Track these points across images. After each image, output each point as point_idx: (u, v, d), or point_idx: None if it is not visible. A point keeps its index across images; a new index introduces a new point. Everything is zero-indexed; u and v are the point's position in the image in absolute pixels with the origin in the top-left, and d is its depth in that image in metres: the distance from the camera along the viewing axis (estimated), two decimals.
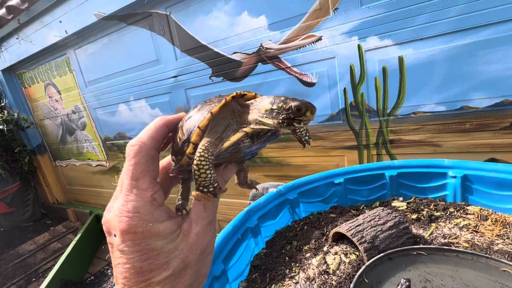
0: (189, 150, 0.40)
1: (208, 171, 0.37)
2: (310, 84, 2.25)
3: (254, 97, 0.44)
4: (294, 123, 0.37)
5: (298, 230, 1.39)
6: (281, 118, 0.37)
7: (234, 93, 0.41)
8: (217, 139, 0.40)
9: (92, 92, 3.82)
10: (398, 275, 0.98)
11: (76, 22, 3.31)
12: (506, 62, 1.59)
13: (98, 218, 4.56)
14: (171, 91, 3.06)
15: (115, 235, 0.35)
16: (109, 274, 3.65)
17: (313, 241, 1.27)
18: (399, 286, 0.86)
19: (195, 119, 0.41)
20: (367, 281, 0.97)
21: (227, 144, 0.39)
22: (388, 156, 2.12)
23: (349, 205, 1.52)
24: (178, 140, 0.42)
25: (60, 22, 3.44)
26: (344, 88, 2.12)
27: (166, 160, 0.50)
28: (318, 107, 2.39)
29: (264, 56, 2.37)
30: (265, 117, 0.39)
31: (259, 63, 2.42)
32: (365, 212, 1.27)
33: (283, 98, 0.38)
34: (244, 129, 0.40)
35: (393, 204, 1.43)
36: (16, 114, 4.71)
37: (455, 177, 1.33)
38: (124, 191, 0.36)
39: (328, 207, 1.53)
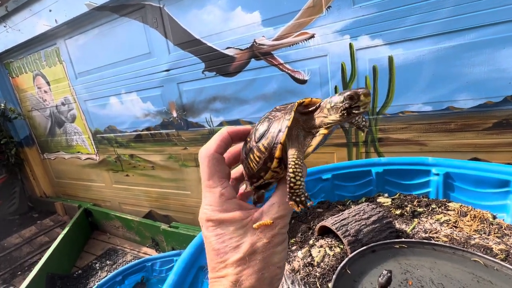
0: (274, 165, 0.43)
1: (303, 178, 0.40)
2: (302, 81, 2.27)
3: (310, 101, 0.46)
4: (354, 111, 0.40)
5: None
6: (340, 111, 0.41)
7: (297, 103, 0.45)
8: (298, 146, 0.43)
9: (82, 83, 3.75)
10: (380, 266, 1.01)
11: (66, 12, 3.23)
12: (490, 64, 1.64)
13: (87, 212, 4.51)
14: (163, 85, 3.03)
15: (202, 226, 0.44)
16: (97, 268, 3.63)
17: (299, 235, 1.29)
18: (381, 276, 0.89)
19: (270, 136, 0.44)
20: (349, 272, 1.00)
21: (310, 149, 0.43)
22: (376, 154, 2.17)
23: (336, 201, 1.56)
24: (256, 159, 0.45)
25: (50, 11, 3.36)
26: (335, 86, 2.15)
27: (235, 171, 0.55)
28: None
29: (257, 52, 2.38)
30: (329, 115, 0.42)
31: (252, 59, 2.42)
32: (351, 207, 1.30)
33: (337, 94, 0.41)
34: (321, 132, 0.43)
35: (378, 200, 1.47)
36: (2, 105, 4.59)
37: (438, 174, 1.37)
38: (202, 189, 0.45)
39: (316, 202, 1.56)
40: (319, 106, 0.45)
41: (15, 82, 4.70)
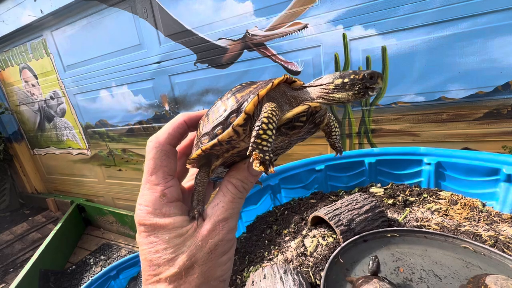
0: (238, 121, 0.36)
1: (272, 132, 0.34)
2: (295, 73, 2.25)
3: (302, 85, 0.44)
4: (369, 92, 0.38)
5: (279, 215, 1.41)
6: (356, 88, 0.38)
7: (287, 76, 0.41)
8: (278, 107, 0.37)
9: (71, 77, 3.65)
10: (371, 255, 1.02)
11: (52, 1, 3.12)
12: (482, 54, 1.64)
13: (80, 207, 4.45)
14: (154, 77, 2.97)
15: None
16: (91, 263, 3.60)
17: (292, 225, 1.29)
18: (370, 264, 0.90)
19: (248, 90, 0.39)
20: (342, 261, 1.00)
21: (289, 114, 0.38)
22: (369, 145, 2.17)
23: (329, 191, 1.56)
24: (220, 111, 0.39)
25: (35, 0, 3.23)
26: None
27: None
28: None
29: (249, 43, 2.34)
30: (336, 91, 0.39)
31: (245, 50, 2.38)
32: (344, 197, 1.30)
33: (350, 71, 0.39)
34: (308, 103, 0.39)
35: (371, 190, 1.48)
36: None
37: (429, 164, 1.38)
38: (142, 185, 0.38)
39: (309, 193, 1.56)
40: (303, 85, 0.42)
41: (1, 76, 4.56)
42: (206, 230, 0.36)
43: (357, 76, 0.38)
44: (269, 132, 0.34)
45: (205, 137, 0.40)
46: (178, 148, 0.44)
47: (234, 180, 0.40)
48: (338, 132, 0.50)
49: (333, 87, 0.39)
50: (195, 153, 0.41)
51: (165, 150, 0.38)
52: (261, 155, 0.34)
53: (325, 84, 0.40)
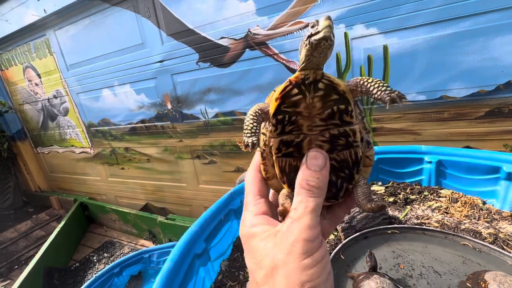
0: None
1: (252, 121, 0.42)
2: None
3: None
4: (315, 36, 0.36)
5: None
6: (305, 40, 0.38)
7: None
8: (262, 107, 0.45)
9: (74, 76, 3.68)
10: (372, 252, 1.03)
11: (55, 1, 3.14)
12: (483, 53, 1.64)
13: (83, 205, 4.49)
14: (156, 76, 2.99)
15: None
16: (95, 260, 3.64)
17: None
18: (367, 261, 0.91)
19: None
20: (343, 257, 1.02)
21: (275, 95, 0.42)
22: None
23: None
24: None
25: (38, 0, 3.26)
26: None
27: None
28: None
29: (251, 42, 2.35)
30: (301, 52, 0.40)
31: (247, 49, 2.39)
32: None
33: None
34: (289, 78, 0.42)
35: (372, 188, 1.49)
36: None
37: (430, 162, 1.39)
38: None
39: None
40: None
41: (5, 75, 4.59)
42: (281, 232, 0.38)
43: (305, 35, 0.38)
44: (248, 125, 0.42)
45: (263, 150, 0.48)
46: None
47: (299, 180, 0.41)
48: (379, 83, 0.41)
49: (300, 50, 0.41)
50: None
51: (253, 177, 0.48)
52: (245, 139, 0.41)
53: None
